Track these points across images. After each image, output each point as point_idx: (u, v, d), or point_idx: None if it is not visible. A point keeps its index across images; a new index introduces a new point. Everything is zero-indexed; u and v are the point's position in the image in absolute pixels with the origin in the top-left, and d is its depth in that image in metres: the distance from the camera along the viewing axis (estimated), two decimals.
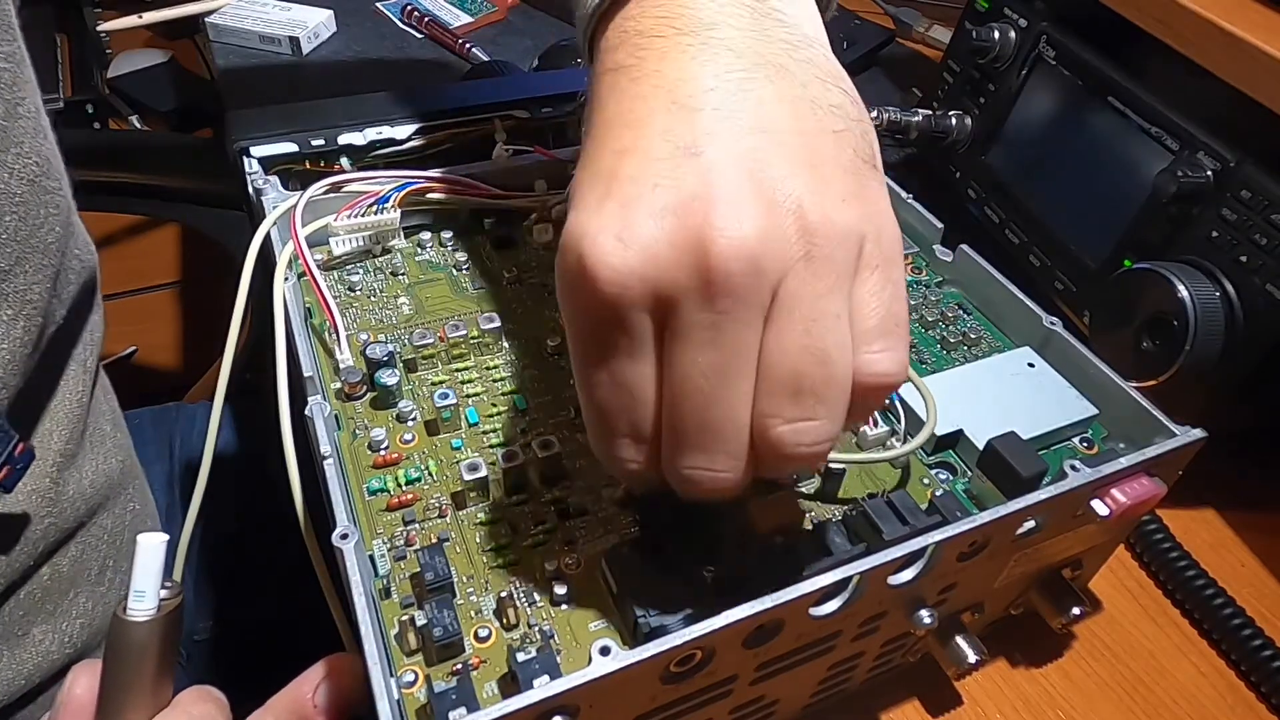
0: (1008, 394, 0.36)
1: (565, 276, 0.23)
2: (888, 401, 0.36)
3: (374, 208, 0.40)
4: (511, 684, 0.26)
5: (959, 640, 0.33)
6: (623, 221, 0.22)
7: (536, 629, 0.28)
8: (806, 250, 0.22)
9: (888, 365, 0.23)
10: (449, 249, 0.42)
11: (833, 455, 0.33)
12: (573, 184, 0.24)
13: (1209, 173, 0.42)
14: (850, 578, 0.26)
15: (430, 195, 0.42)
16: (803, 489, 0.33)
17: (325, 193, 0.40)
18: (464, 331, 0.36)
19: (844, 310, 0.22)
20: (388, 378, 0.33)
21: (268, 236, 0.38)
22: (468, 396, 0.35)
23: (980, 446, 0.33)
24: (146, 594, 0.27)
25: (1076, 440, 0.36)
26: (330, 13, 0.78)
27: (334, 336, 0.35)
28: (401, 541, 0.30)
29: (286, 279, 0.36)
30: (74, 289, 0.40)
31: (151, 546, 0.27)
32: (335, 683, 0.28)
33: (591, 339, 0.23)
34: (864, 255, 0.23)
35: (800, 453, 0.23)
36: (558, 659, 0.26)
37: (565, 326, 0.24)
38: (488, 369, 0.36)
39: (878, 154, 0.25)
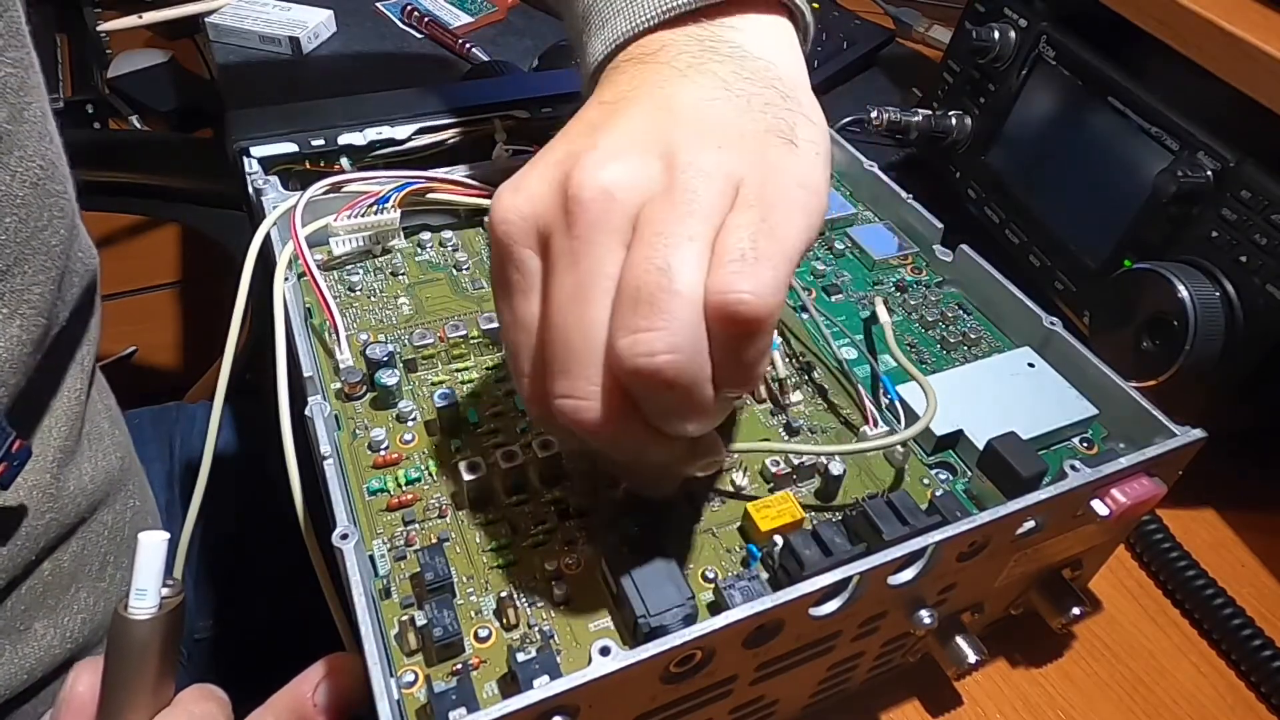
0: (1008, 394, 0.36)
1: (496, 261, 0.26)
2: (887, 400, 0.36)
3: (374, 208, 0.40)
4: (511, 684, 0.26)
5: (959, 640, 0.33)
6: (524, 174, 0.25)
7: (536, 629, 0.28)
8: (668, 183, 0.24)
9: (741, 284, 0.23)
10: (449, 249, 0.42)
11: (830, 447, 0.33)
12: None
13: (1209, 173, 0.42)
14: (850, 578, 0.26)
15: (430, 195, 0.42)
16: (803, 489, 0.33)
17: (325, 193, 0.40)
18: (464, 331, 0.36)
19: (699, 236, 0.23)
20: (388, 378, 0.33)
21: (268, 236, 0.38)
22: (468, 396, 0.35)
23: (980, 446, 0.33)
24: (148, 592, 0.27)
25: (1076, 440, 0.36)
26: (330, 13, 0.78)
27: (334, 336, 0.35)
28: (401, 541, 0.30)
29: (286, 279, 0.36)
30: (77, 291, 0.40)
31: (153, 545, 0.27)
32: (335, 682, 0.28)
33: (497, 282, 0.26)
34: (739, 196, 0.24)
35: (640, 364, 0.22)
36: (558, 659, 0.26)
37: (495, 293, 0.27)
38: (488, 369, 0.36)
39: (803, 136, 0.26)
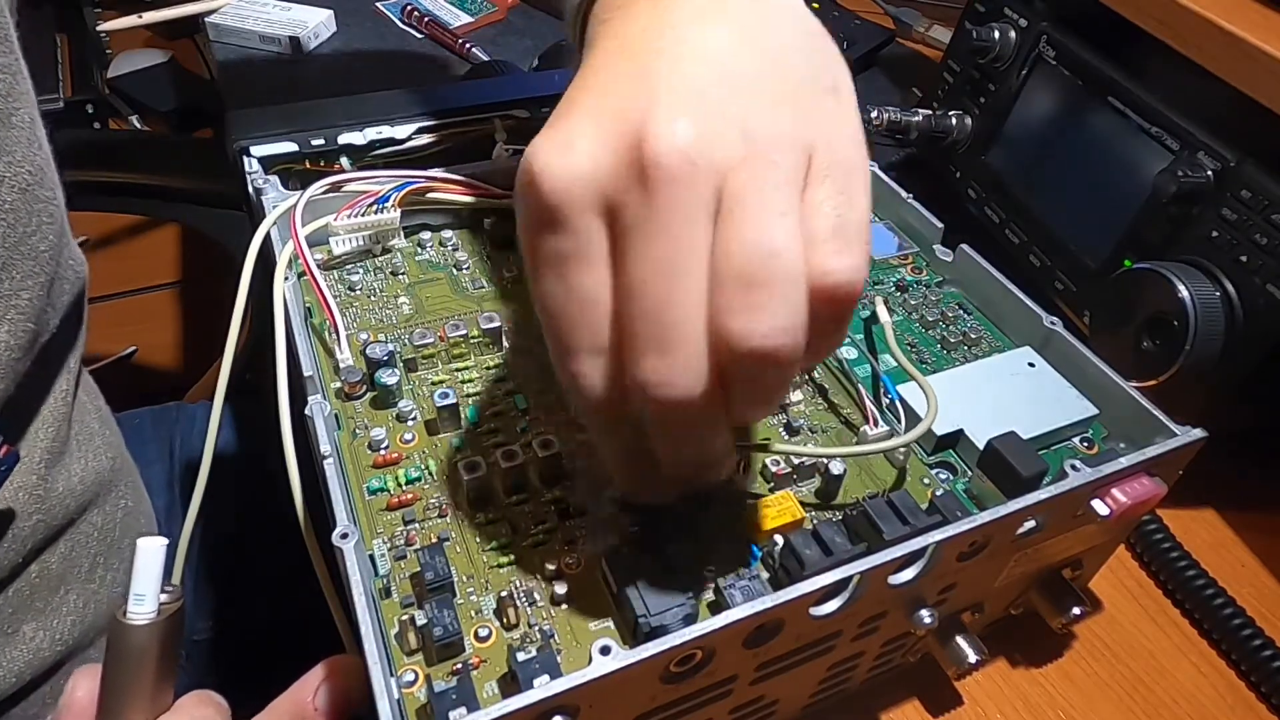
0: (1008, 394, 0.36)
1: (518, 195, 0.23)
2: (888, 399, 0.36)
3: (374, 207, 0.40)
4: (511, 684, 0.26)
5: (959, 640, 0.33)
6: (567, 131, 0.23)
7: (536, 629, 0.28)
8: (747, 153, 0.22)
9: (840, 264, 0.23)
10: (449, 249, 0.42)
11: (831, 450, 0.33)
12: None
13: (1209, 173, 0.42)
14: (850, 578, 0.26)
15: (430, 195, 0.42)
16: (803, 489, 0.33)
17: (325, 192, 0.40)
18: (464, 331, 0.36)
19: (791, 211, 0.22)
20: (388, 377, 0.33)
21: (268, 236, 0.38)
22: (468, 396, 0.35)
23: (980, 446, 0.33)
24: (146, 598, 0.27)
25: (1077, 440, 0.36)
26: (330, 13, 0.78)
27: (334, 336, 0.35)
28: (401, 541, 0.30)
29: (286, 279, 0.36)
30: (67, 299, 0.40)
31: (151, 550, 0.27)
32: (335, 684, 0.28)
33: (540, 251, 0.23)
34: (813, 165, 0.23)
35: (756, 346, 0.22)
36: (558, 659, 0.26)
37: (523, 250, 0.24)
38: (488, 369, 0.36)
39: (841, 81, 0.25)
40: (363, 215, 0.40)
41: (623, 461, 0.27)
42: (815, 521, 0.30)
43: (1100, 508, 0.30)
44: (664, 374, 0.22)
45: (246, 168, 0.43)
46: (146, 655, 0.27)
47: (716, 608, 0.28)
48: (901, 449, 0.34)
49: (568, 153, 0.22)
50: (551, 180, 0.22)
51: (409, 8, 0.81)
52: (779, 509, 0.30)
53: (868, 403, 0.35)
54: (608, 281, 0.23)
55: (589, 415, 0.25)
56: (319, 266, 0.37)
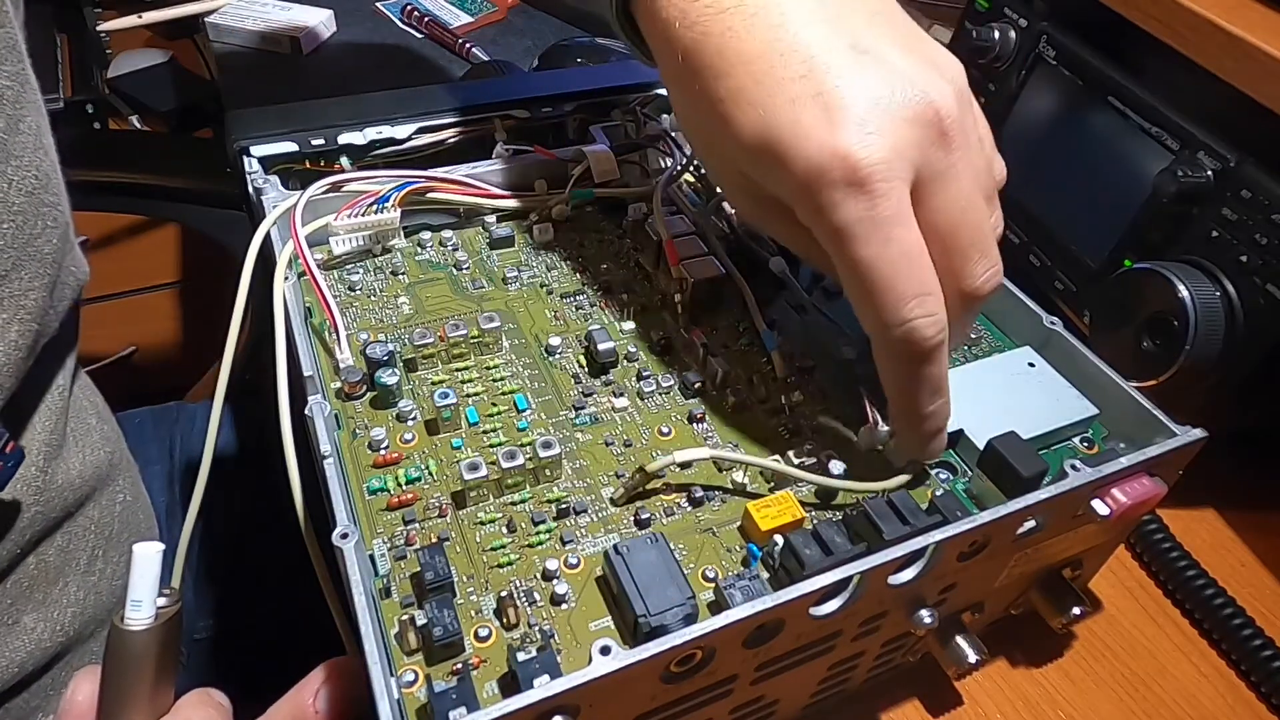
0: (1008, 394, 0.36)
1: (831, 187, 0.27)
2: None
3: (374, 207, 0.40)
4: (511, 684, 0.26)
5: (959, 640, 0.33)
6: (863, 119, 0.27)
7: (536, 629, 0.28)
8: (959, 111, 0.29)
9: (999, 223, 0.34)
10: (449, 249, 0.42)
11: (834, 482, 0.33)
12: (761, 116, 0.28)
13: (1209, 172, 0.42)
14: (850, 577, 0.26)
15: (430, 195, 0.42)
16: (803, 488, 0.33)
17: (325, 192, 0.40)
18: (464, 331, 0.36)
19: None
20: (388, 377, 0.33)
21: (268, 236, 0.38)
22: (468, 396, 0.35)
23: (980, 446, 0.33)
24: (143, 603, 0.27)
25: (1077, 440, 0.36)
26: (330, 13, 0.78)
27: (334, 336, 0.35)
28: (401, 541, 0.30)
29: (286, 279, 0.36)
30: (67, 302, 0.40)
31: (148, 556, 0.27)
32: (335, 687, 0.28)
33: (856, 225, 0.27)
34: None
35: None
36: (558, 659, 0.26)
37: (832, 236, 0.28)
38: (488, 369, 0.36)
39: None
40: (363, 215, 0.40)
41: (927, 404, 0.30)
42: (815, 521, 0.30)
43: (1100, 508, 0.30)
44: (992, 269, 0.30)
45: (246, 168, 0.43)
46: (145, 659, 0.27)
47: (716, 608, 0.28)
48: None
49: (879, 136, 0.27)
50: (872, 160, 0.26)
51: (409, 8, 0.81)
52: (779, 509, 0.30)
53: (868, 403, 0.35)
54: (920, 235, 0.28)
55: (921, 358, 0.29)
56: (319, 266, 0.37)
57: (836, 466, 0.32)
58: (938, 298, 0.28)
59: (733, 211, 0.43)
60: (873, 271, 0.27)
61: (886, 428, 0.35)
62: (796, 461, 0.33)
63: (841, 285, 0.29)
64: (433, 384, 0.35)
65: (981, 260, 0.30)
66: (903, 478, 0.33)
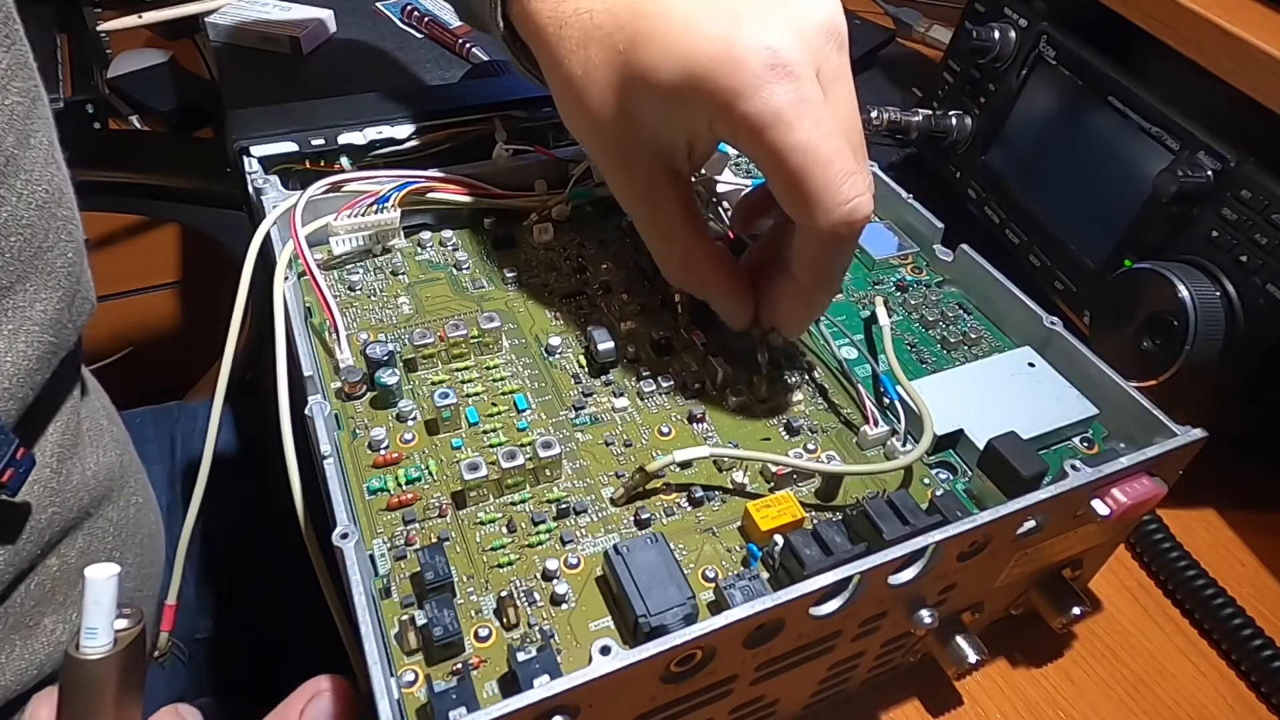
0: (1008, 394, 0.36)
1: (757, 78, 0.28)
2: (888, 400, 0.36)
3: (374, 207, 0.40)
4: (511, 684, 0.26)
5: (959, 640, 0.33)
6: (765, 20, 0.29)
7: (536, 629, 0.28)
8: None
9: None
10: (449, 249, 0.42)
11: (834, 467, 0.33)
12: (673, 48, 0.30)
13: (1209, 172, 0.42)
14: (850, 577, 0.26)
15: (430, 195, 0.42)
16: (803, 488, 0.33)
17: (325, 192, 0.40)
18: (464, 331, 0.36)
19: None
20: (388, 377, 0.33)
21: (268, 236, 0.38)
22: (468, 396, 0.35)
23: (980, 446, 0.33)
24: (99, 630, 0.26)
25: (1077, 440, 0.36)
26: (330, 13, 0.78)
27: (334, 336, 0.35)
28: (401, 541, 0.30)
29: (286, 278, 0.36)
30: (86, 317, 0.40)
31: (100, 581, 0.25)
32: (322, 704, 0.27)
33: (799, 107, 0.28)
34: None
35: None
36: (558, 659, 0.26)
37: (764, 128, 0.29)
38: (488, 369, 0.36)
39: None
40: (363, 215, 0.40)
41: (840, 279, 0.34)
42: (815, 521, 0.30)
43: (1100, 508, 0.30)
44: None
45: (246, 168, 0.43)
46: (104, 687, 0.26)
47: (716, 608, 0.28)
48: (901, 448, 0.34)
49: (783, 29, 0.29)
50: (786, 45, 0.28)
51: (409, 8, 0.81)
52: (779, 509, 0.30)
53: (868, 403, 0.35)
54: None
55: (855, 236, 0.31)
56: (319, 266, 0.37)
57: (836, 466, 0.32)
58: (865, 174, 0.30)
59: (727, 212, 0.43)
60: (809, 152, 0.29)
61: (885, 427, 0.35)
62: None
63: (774, 184, 0.30)
64: (433, 384, 0.35)
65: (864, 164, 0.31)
66: (903, 460, 0.33)
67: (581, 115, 0.34)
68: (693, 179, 0.37)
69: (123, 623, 0.27)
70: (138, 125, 1.02)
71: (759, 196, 0.39)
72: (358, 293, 0.39)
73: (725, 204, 0.44)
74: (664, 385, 0.36)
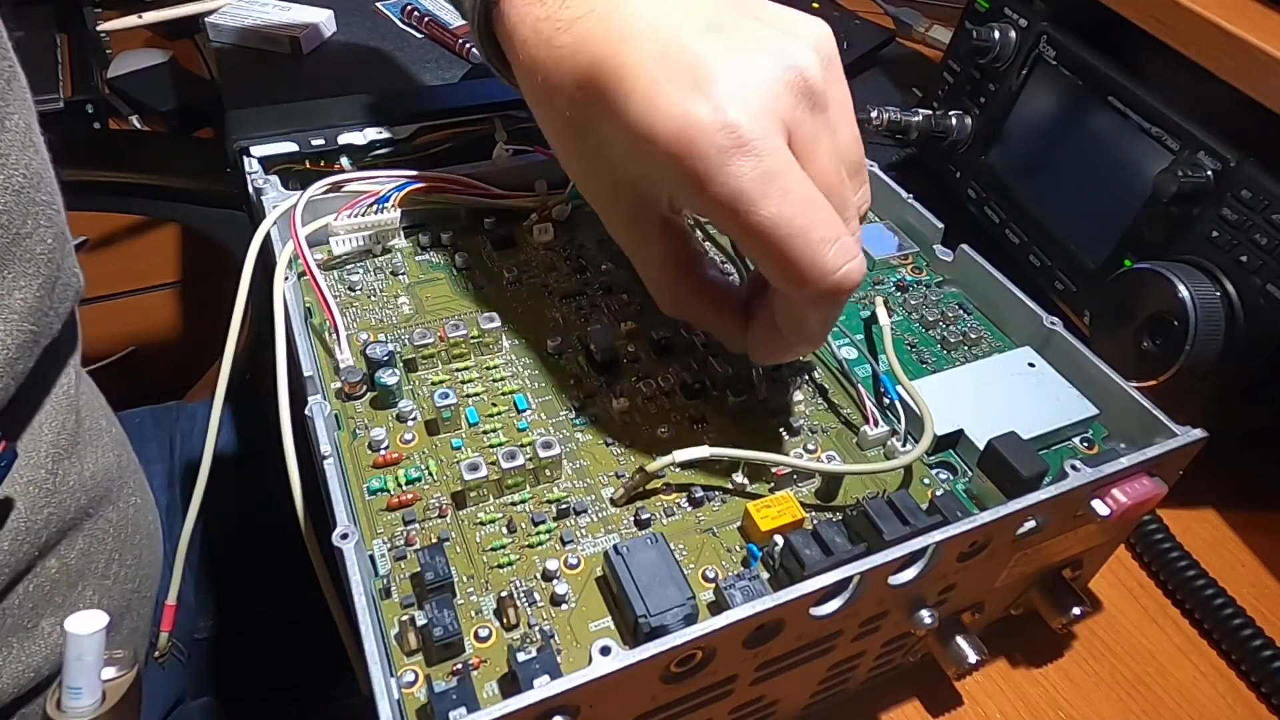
0: (1008, 394, 0.36)
1: (716, 154, 0.27)
2: (887, 399, 0.36)
3: (374, 207, 0.40)
4: (512, 684, 0.26)
5: (959, 640, 0.33)
6: (728, 89, 0.27)
7: (536, 629, 0.28)
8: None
9: None
10: (449, 249, 0.42)
11: (834, 467, 0.33)
12: (635, 106, 0.28)
13: (1209, 173, 0.42)
14: (850, 578, 0.26)
15: (430, 195, 0.42)
16: (803, 489, 0.33)
17: (325, 192, 0.40)
18: (464, 331, 0.36)
19: None
20: (388, 377, 0.33)
21: (268, 236, 0.38)
22: (468, 396, 0.35)
23: (980, 446, 0.33)
24: (83, 690, 0.23)
25: (1077, 440, 0.36)
26: (330, 13, 0.78)
27: (334, 336, 0.35)
28: (401, 541, 0.30)
29: (286, 279, 0.36)
30: (69, 305, 0.40)
31: (82, 637, 0.22)
32: None
33: (762, 183, 0.27)
34: None
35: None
36: (558, 659, 0.26)
37: (731, 206, 0.27)
38: (488, 369, 0.36)
39: None
40: (363, 215, 0.40)
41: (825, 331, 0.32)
42: (815, 521, 0.30)
43: (1100, 508, 0.30)
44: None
45: (246, 168, 0.43)
46: None
47: (716, 608, 0.28)
48: (901, 448, 0.34)
49: (744, 98, 0.27)
50: (745, 118, 0.27)
51: (409, 8, 0.81)
52: (779, 509, 0.30)
53: (868, 403, 0.35)
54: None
55: (844, 298, 0.29)
56: (319, 266, 0.37)
57: (836, 466, 0.32)
58: (851, 237, 0.28)
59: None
60: (781, 227, 0.27)
61: (885, 427, 0.35)
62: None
63: (755, 260, 0.29)
64: (433, 384, 0.35)
65: (857, 214, 0.31)
66: (903, 460, 0.33)
67: (563, 159, 0.34)
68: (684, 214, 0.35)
69: (111, 671, 0.24)
70: (138, 125, 1.01)
71: None
72: (358, 293, 0.39)
73: None
74: (664, 385, 0.36)
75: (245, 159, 0.43)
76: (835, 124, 0.30)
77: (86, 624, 0.22)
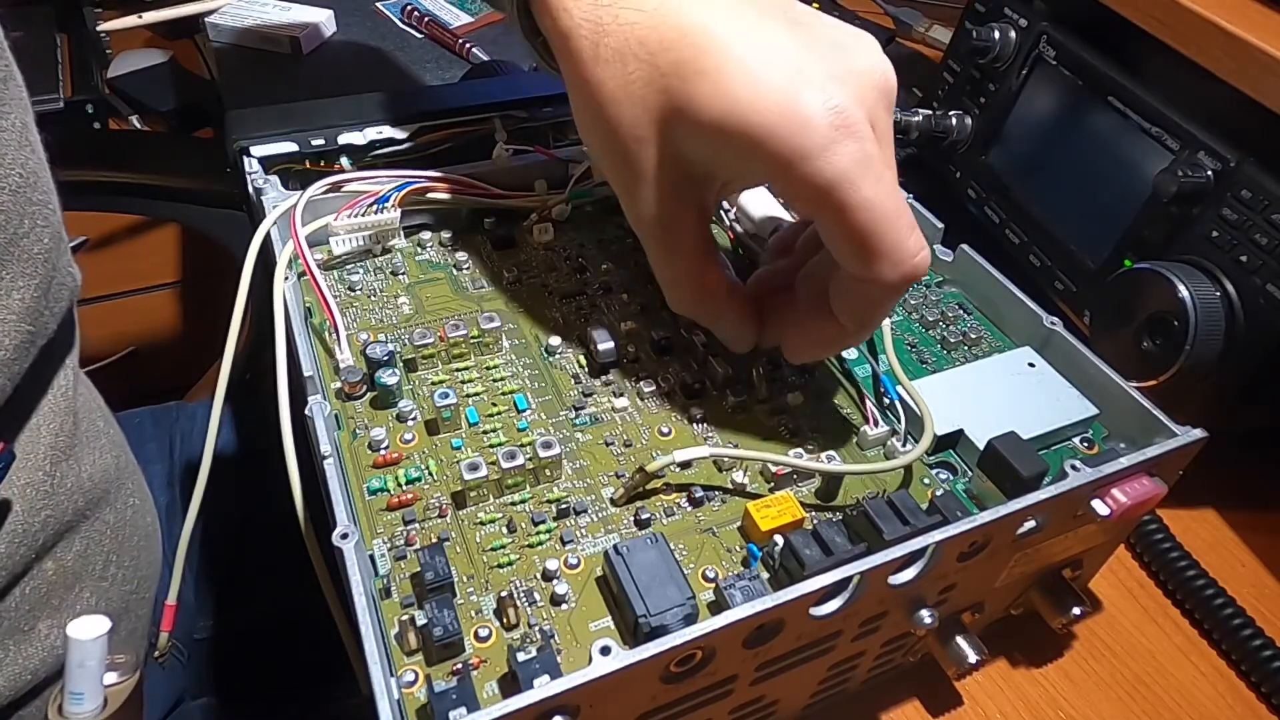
0: (1008, 394, 0.36)
1: (822, 139, 0.28)
2: (887, 400, 0.36)
3: (374, 207, 0.40)
4: (512, 684, 0.26)
5: (959, 640, 0.33)
6: (826, 75, 0.28)
7: (536, 629, 0.28)
8: None
9: None
10: (449, 249, 0.42)
11: (834, 467, 0.33)
12: (722, 94, 0.29)
13: (1209, 173, 0.42)
14: (850, 578, 0.26)
15: (430, 195, 0.42)
16: (803, 488, 0.33)
17: (325, 192, 0.40)
18: (464, 331, 0.36)
19: None
20: (388, 377, 0.33)
21: (268, 236, 0.38)
22: (468, 396, 0.35)
23: (980, 446, 0.33)
24: (85, 696, 0.23)
25: (1077, 440, 0.36)
26: (330, 13, 0.78)
27: (334, 336, 0.35)
28: (401, 541, 0.30)
29: (286, 279, 0.36)
30: (65, 304, 0.40)
31: (84, 642, 0.23)
32: None
33: (864, 166, 0.28)
34: None
35: None
36: (558, 659, 0.26)
37: (830, 188, 0.28)
38: (488, 369, 0.36)
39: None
40: (363, 215, 0.40)
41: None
42: (815, 521, 0.30)
43: (1100, 508, 0.30)
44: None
45: (246, 168, 0.43)
46: None
47: (716, 608, 0.28)
48: (901, 448, 0.34)
49: (844, 87, 0.28)
50: (849, 104, 0.28)
51: (409, 8, 0.81)
52: (779, 509, 0.30)
53: (868, 403, 0.35)
54: None
55: (909, 285, 0.30)
56: (319, 266, 0.37)
57: (836, 466, 0.32)
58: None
59: (734, 221, 0.43)
60: (876, 209, 0.28)
61: (885, 427, 0.35)
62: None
63: (837, 242, 0.30)
64: (433, 384, 0.35)
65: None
66: (903, 460, 0.33)
67: (603, 129, 0.32)
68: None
69: (113, 676, 0.24)
70: (138, 125, 1.01)
71: (790, 236, 0.38)
72: (358, 293, 0.39)
73: (725, 204, 0.44)
74: (664, 385, 0.36)
75: (245, 159, 0.43)
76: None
77: (89, 629, 0.22)
